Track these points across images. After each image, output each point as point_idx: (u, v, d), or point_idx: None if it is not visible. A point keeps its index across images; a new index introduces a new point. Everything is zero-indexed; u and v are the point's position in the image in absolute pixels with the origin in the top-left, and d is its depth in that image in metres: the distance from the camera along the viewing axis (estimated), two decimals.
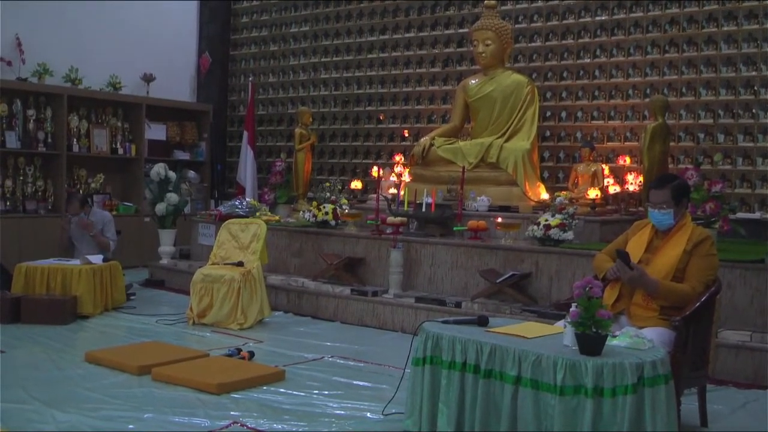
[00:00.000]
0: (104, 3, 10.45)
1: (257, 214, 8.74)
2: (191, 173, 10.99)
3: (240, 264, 6.96)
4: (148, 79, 10.76)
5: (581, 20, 8.71)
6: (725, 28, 7.82)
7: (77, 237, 7.73)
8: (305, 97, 10.99)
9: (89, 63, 10.00)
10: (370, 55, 10.36)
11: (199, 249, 9.08)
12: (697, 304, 3.92)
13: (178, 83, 11.49)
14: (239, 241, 7.27)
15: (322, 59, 10.84)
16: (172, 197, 8.79)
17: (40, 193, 9.55)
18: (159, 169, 8.83)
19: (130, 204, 10.27)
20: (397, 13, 10.13)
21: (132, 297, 7.72)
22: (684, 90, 8.05)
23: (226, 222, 7.56)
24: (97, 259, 7.22)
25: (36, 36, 9.59)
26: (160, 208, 8.78)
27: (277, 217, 8.99)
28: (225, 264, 7.05)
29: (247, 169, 10.69)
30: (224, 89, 11.94)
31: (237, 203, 9.07)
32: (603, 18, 8.55)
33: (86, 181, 10.02)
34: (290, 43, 11.24)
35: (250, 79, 11.27)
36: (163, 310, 7.30)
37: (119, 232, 8.11)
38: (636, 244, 4.29)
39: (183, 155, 11.16)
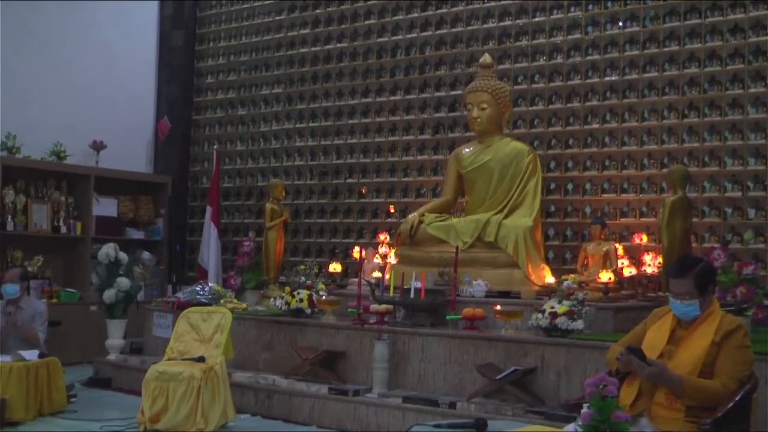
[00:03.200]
0: (47, 60, 10.53)
1: (222, 301, 8.66)
2: (146, 254, 10.92)
3: (201, 359, 6.85)
4: (97, 147, 10.77)
5: (588, 81, 8.82)
6: (752, 90, 7.94)
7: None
8: (277, 168, 11.03)
9: (30, 129, 9.97)
10: (351, 121, 10.45)
11: (153, 342, 8.94)
12: (730, 404, 3.86)
13: (132, 152, 11.51)
14: (200, 333, 7.18)
15: (297, 125, 10.91)
16: (123, 282, 8.71)
17: None
18: (108, 250, 8.76)
19: (74, 290, 10.16)
20: (381, 74, 10.26)
21: (73, 399, 7.56)
22: (707, 159, 8.12)
23: (186, 311, 7.47)
24: (31, 355, 7.08)
25: None
26: (109, 294, 8.69)
27: (244, 305, 8.91)
28: (183, 359, 6.94)
29: (210, 250, 10.62)
30: (185, 159, 11.97)
31: (198, 289, 8.98)
32: (613, 78, 8.68)
33: (22, 264, 9.91)
34: (261, 107, 11.32)
35: (215, 147, 11.30)
36: (109, 415, 7.15)
37: (59, 323, 8.00)
38: (656, 335, 4.26)
39: (137, 234, 11.11)
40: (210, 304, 8.30)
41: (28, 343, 7.46)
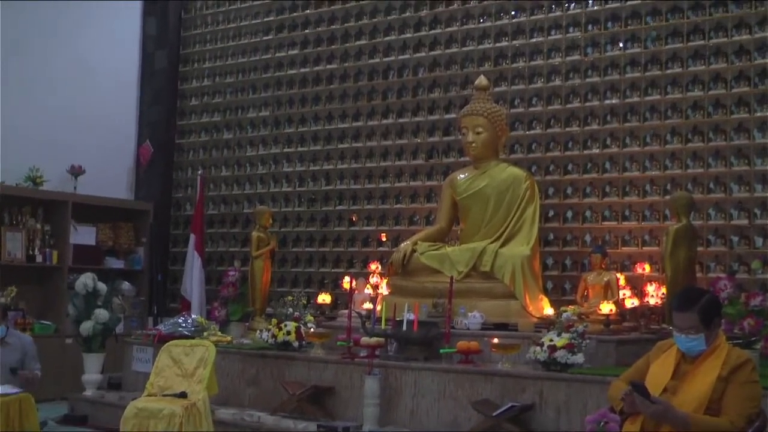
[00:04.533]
0: (23, 81, 10.52)
1: (205, 334, 8.64)
2: (126, 285, 10.87)
3: (183, 395, 6.79)
4: (76, 172, 10.76)
5: (588, 104, 8.84)
6: (758, 114, 7.96)
7: None
8: (264, 195, 11.02)
9: (4, 153, 9.97)
10: (341, 145, 10.45)
11: (132, 377, 8.90)
12: None
13: (112, 177, 11.50)
14: (182, 368, 7.13)
15: (285, 150, 10.92)
16: (102, 314, 8.66)
17: None
18: (86, 280, 8.73)
19: (49, 322, 10.11)
20: (373, 96, 10.27)
21: None
22: (712, 185, 8.12)
23: (167, 344, 7.43)
24: (2, 389, 6.99)
25: None
26: (86, 327, 8.63)
27: (229, 338, 8.90)
28: (164, 395, 6.88)
29: (193, 280, 10.58)
30: (168, 184, 11.96)
31: (181, 321, 8.98)
32: (614, 101, 8.70)
33: None
34: (247, 131, 11.32)
35: (200, 172, 11.29)
36: None
37: None
38: (660, 370, 4.24)
39: (116, 263, 11.08)
40: (193, 337, 8.28)
41: (29, 385, 7.28)
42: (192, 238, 10.82)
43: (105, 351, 8.90)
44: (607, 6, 8.82)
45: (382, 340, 7.45)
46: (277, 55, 11.14)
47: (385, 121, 10.15)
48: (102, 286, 8.82)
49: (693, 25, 8.34)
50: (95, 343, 8.78)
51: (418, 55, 9.99)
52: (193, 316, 9.24)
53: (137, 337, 9.28)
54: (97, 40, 11.40)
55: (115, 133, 11.64)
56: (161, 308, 11.14)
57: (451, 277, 7.87)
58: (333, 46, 10.65)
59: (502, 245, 8.25)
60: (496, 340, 7.02)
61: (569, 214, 8.86)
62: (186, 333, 8.58)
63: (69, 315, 9.05)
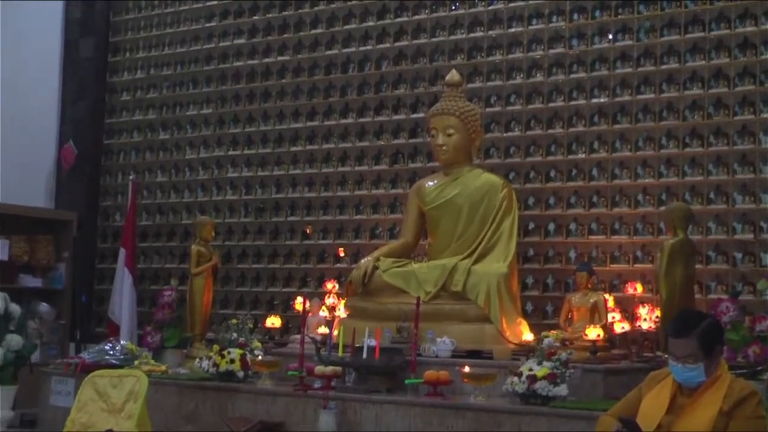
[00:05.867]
0: None
1: (136, 363, 8.59)
2: (43, 306, 10.80)
3: None
4: None
5: (573, 103, 8.89)
6: (764, 115, 8.02)
7: None
8: (206, 203, 10.99)
9: None
10: (294, 148, 10.44)
11: (50, 413, 8.79)
12: None
13: (28, 183, 11.42)
14: (109, 402, 7.05)
15: (230, 152, 10.89)
16: (14, 340, 8.57)
17: None
18: None
19: None
20: (330, 92, 10.27)
21: None
22: (712, 195, 8.18)
23: (92, 374, 7.34)
24: None
25: None
26: None
27: (163, 367, 8.82)
28: None
29: (123, 301, 10.53)
30: (94, 191, 11.90)
31: (108, 348, 8.91)
32: (602, 100, 8.75)
33: None
34: (186, 131, 11.28)
35: (131, 177, 11.21)
36: None
37: None
38: (653, 403, 4.26)
39: (32, 281, 10.99)
40: (122, 367, 8.23)
41: None
42: (122, 252, 10.75)
43: (18, 383, 8.79)
44: None
45: (339, 369, 7.42)
46: (221, 44, 11.12)
47: (343, 121, 10.15)
48: (15, 308, 8.72)
49: (691, 15, 8.40)
50: (6, 374, 8.66)
51: (381, 46, 10.00)
52: (122, 343, 9.16)
53: (56, 366, 9.17)
54: (11, 25, 11.31)
55: (33, 132, 11.56)
56: (85, 333, 11.08)
57: (418, 298, 7.86)
58: (285, 35, 10.64)
59: (476, 262, 8.25)
60: (468, 370, 7.02)
61: (551, 226, 8.88)
62: (114, 362, 8.53)
63: None
